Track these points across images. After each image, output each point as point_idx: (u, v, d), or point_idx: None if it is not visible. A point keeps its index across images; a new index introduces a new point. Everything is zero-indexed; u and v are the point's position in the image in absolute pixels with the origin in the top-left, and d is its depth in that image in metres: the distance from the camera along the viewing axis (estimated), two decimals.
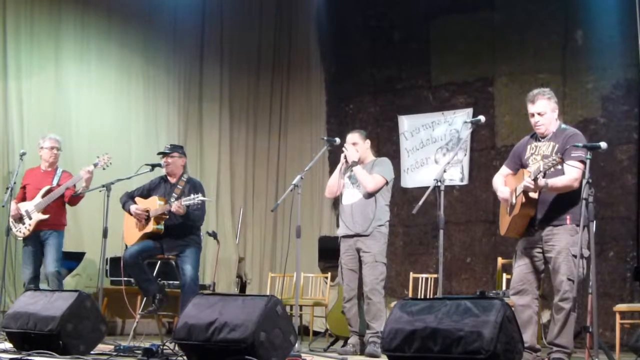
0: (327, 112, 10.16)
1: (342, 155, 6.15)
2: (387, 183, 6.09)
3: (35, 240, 6.74)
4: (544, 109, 5.00)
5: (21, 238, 6.78)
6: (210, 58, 9.92)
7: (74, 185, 6.75)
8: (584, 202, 4.48)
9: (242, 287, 9.79)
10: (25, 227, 6.70)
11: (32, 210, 6.70)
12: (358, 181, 6.09)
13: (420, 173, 9.21)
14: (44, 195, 6.71)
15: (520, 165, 5.13)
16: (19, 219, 6.72)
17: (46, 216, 6.66)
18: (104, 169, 6.73)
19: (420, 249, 9.15)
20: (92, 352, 5.08)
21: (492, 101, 8.79)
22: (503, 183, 5.18)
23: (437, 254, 5.02)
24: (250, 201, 10.17)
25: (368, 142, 6.24)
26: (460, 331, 3.68)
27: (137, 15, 9.20)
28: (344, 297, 6.16)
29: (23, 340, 5.07)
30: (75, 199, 6.80)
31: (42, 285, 6.82)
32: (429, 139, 9.22)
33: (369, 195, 6.04)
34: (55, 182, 6.79)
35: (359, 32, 9.89)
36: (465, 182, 8.89)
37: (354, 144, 6.15)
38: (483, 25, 8.92)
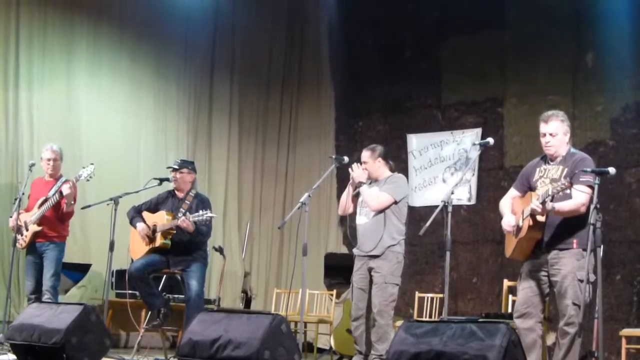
0: (336, 129, 10.16)
1: (351, 174, 6.12)
2: (395, 202, 6.00)
3: (35, 252, 6.74)
4: (556, 131, 4.99)
5: (21, 249, 6.79)
6: (220, 72, 9.97)
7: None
8: (591, 227, 4.46)
9: (248, 302, 9.78)
10: (23, 239, 6.72)
11: (29, 221, 6.70)
12: None
13: (428, 192, 9.20)
14: (40, 206, 6.71)
15: (528, 188, 5.12)
16: (18, 230, 6.74)
17: (39, 228, 6.64)
18: (87, 180, 6.65)
19: (426, 269, 9.12)
20: None
21: (501, 121, 8.77)
22: (510, 207, 5.17)
23: (443, 273, 5.01)
24: (258, 216, 10.18)
25: (379, 160, 6.13)
26: (465, 355, 3.66)
27: (149, 29, 9.26)
28: (352, 315, 6.13)
29: (27, 352, 5.08)
30: (64, 214, 6.75)
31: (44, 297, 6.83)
32: (438, 158, 9.21)
33: (378, 214, 5.99)
34: (51, 193, 6.73)
35: (370, 49, 9.90)
36: (472, 202, 8.87)
37: (363, 162, 6.10)
38: (494, 45, 8.92)
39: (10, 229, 6.94)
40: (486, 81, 8.93)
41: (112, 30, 8.95)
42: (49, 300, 6.42)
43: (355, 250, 6.17)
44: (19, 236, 6.75)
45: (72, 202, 6.65)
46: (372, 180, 6.12)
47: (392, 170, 6.20)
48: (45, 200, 6.69)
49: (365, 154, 6.16)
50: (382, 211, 5.98)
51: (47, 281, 6.63)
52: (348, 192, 6.18)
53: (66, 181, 6.70)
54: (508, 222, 5.09)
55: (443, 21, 9.26)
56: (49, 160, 6.88)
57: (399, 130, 9.55)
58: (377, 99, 9.79)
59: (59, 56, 8.44)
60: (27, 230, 6.70)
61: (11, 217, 6.89)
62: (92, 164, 6.69)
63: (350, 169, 6.11)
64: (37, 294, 6.67)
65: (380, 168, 6.14)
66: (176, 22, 9.49)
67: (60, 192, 6.60)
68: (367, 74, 9.89)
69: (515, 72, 8.75)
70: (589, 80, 8.22)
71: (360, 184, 6.05)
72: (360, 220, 6.14)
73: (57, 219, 6.75)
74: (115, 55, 8.93)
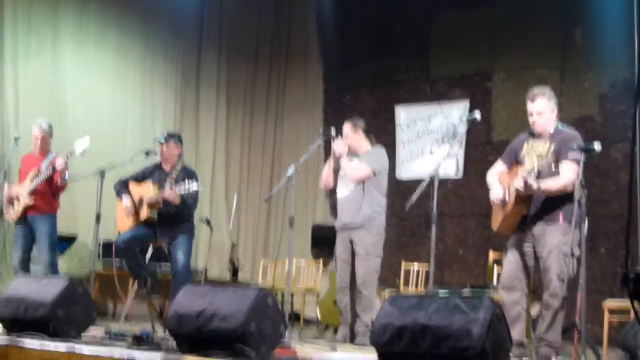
0: (324, 101, 10.15)
1: (332, 149, 6.17)
2: (374, 173, 6.05)
3: (25, 224, 6.72)
4: (542, 109, 5.00)
5: (12, 222, 6.77)
6: (208, 45, 9.89)
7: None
8: (576, 202, 4.49)
9: (234, 272, 9.81)
10: (14, 211, 6.70)
11: (22, 194, 6.68)
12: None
13: (415, 164, 9.23)
14: (32, 179, 6.69)
15: (515, 162, 5.14)
16: (10, 202, 6.72)
17: (32, 202, 6.63)
18: (82, 155, 6.55)
19: (412, 240, 9.17)
20: (82, 337, 5.09)
21: (489, 96, 8.79)
22: (497, 180, 5.19)
23: (429, 244, 5.03)
24: (245, 188, 10.17)
25: (360, 132, 6.19)
26: (449, 328, 3.70)
27: (136, 1, 9.15)
28: (337, 287, 6.19)
29: (14, 325, 5.08)
30: (58, 188, 6.72)
31: (34, 267, 6.82)
32: (425, 131, 9.23)
33: (358, 185, 6.05)
34: (43, 166, 6.70)
35: (359, 23, 9.86)
36: (460, 175, 8.91)
37: (344, 136, 6.15)
38: (483, 20, 8.91)
39: None
40: (475, 55, 8.93)
41: (98, 1, 8.85)
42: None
43: (336, 223, 6.22)
44: (10, 208, 6.72)
45: (65, 176, 6.61)
46: (353, 154, 6.15)
47: (372, 144, 6.25)
48: (38, 174, 6.67)
49: (347, 128, 6.20)
50: (362, 183, 6.04)
51: (44, 256, 6.63)
52: (329, 166, 6.24)
53: (57, 156, 6.64)
54: (496, 195, 5.10)
55: None
56: (36, 138, 6.85)
57: (387, 103, 9.55)
58: (365, 72, 9.78)
59: (45, 28, 8.33)
60: (18, 201, 6.68)
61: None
62: (86, 135, 6.55)
63: (332, 142, 6.14)
64: (23, 267, 6.66)
65: (362, 141, 6.20)
66: None
67: (53, 167, 6.57)
68: (355, 47, 9.86)
69: (504, 46, 8.75)
70: (578, 56, 8.24)
71: (341, 156, 6.07)
72: (340, 193, 6.20)
73: (49, 193, 6.73)
74: (102, 27, 8.83)
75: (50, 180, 6.68)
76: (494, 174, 5.26)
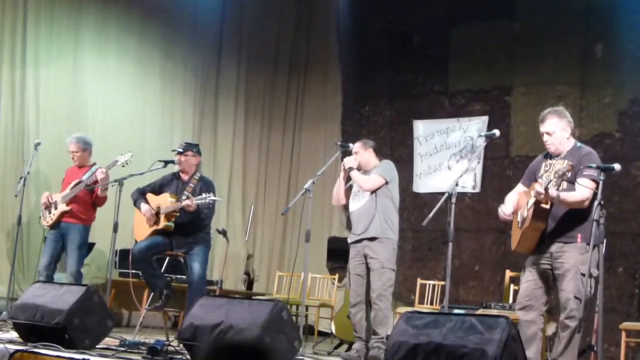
0: (342, 113, 10.15)
1: (342, 164, 6.22)
2: (387, 183, 6.10)
3: (58, 231, 6.80)
4: (552, 129, 4.97)
5: (46, 227, 6.84)
6: (228, 54, 9.94)
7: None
8: (594, 223, 4.45)
9: (250, 284, 9.82)
10: (50, 217, 6.78)
11: (60, 201, 6.76)
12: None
13: (432, 179, 9.19)
14: (72, 188, 6.77)
15: (535, 182, 5.11)
16: (47, 208, 6.79)
17: (68, 208, 6.70)
18: (123, 166, 6.65)
19: (428, 255, 9.14)
20: (97, 346, 5.11)
21: (508, 110, 8.75)
22: (514, 200, 5.17)
23: (445, 260, 5.02)
24: (262, 198, 10.19)
25: (370, 150, 6.28)
26: (464, 348, 3.68)
27: (157, 9, 9.23)
28: (350, 302, 6.17)
29: (29, 331, 5.11)
30: (98, 199, 6.81)
31: (60, 276, 6.87)
32: (443, 145, 9.20)
33: (371, 198, 6.07)
34: (85, 177, 6.78)
35: (378, 35, 9.86)
36: (477, 190, 8.86)
37: (355, 152, 6.24)
38: (503, 34, 8.87)
39: (40, 205, 6.98)
40: (494, 69, 8.90)
41: (119, 9, 8.93)
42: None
43: (350, 237, 6.23)
44: (46, 213, 6.79)
45: (106, 188, 6.66)
46: (363, 171, 6.20)
47: (380, 161, 6.34)
48: (79, 183, 6.74)
49: (357, 145, 6.30)
50: (374, 193, 6.08)
51: (70, 265, 6.69)
52: (340, 183, 6.28)
53: (99, 168, 6.73)
54: (503, 210, 5.10)
55: (453, 8, 9.21)
56: (72, 152, 6.94)
57: (405, 116, 9.53)
58: (384, 84, 9.77)
59: (66, 35, 8.42)
60: (55, 209, 6.75)
61: (15, 196, 6.93)
62: (129, 152, 6.68)
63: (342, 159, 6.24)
64: (47, 272, 6.71)
65: (371, 158, 6.28)
66: (185, 3, 9.48)
67: (95, 178, 6.64)
68: (374, 59, 9.85)
69: (524, 61, 8.71)
70: (598, 72, 8.19)
71: (350, 169, 6.13)
72: (353, 207, 6.22)
73: (89, 203, 6.81)
74: (122, 34, 8.91)
75: (91, 190, 6.76)
76: (513, 194, 5.24)
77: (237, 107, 10.01)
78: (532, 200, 4.83)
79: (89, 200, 6.82)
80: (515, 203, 5.15)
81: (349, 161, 6.15)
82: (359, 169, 6.17)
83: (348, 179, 6.24)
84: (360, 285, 6.11)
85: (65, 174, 7.04)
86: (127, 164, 6.62)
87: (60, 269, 6.99)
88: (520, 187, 5.26)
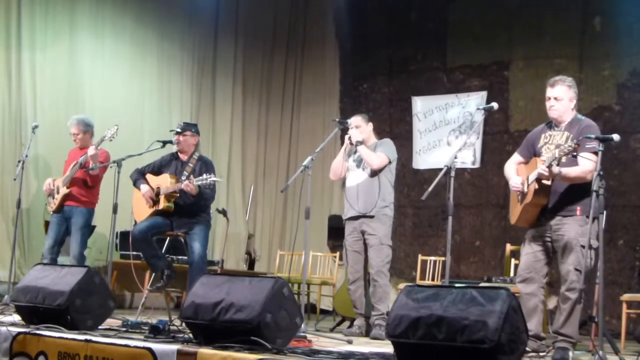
0: (340, 91, 10.14)
1: (346, 137, 6.20)
2: (390, 162, 6.13)
3: (61, 214, 6.80)
4: (561, 95, 4.95)
5: (51, 212, 6.85)
6: (224, 34, 9.89)
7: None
8: (594, 194, 4.44)
9: (251, 263, 9.83)
10: (54, 202, 6.79)
11: (61, 185, 6.77)
12: (363, 161, 6.13)
13: (432, 155, 9.19)
14: (70, 170, 6.76)
15: (533, 154, 5.10)
16: (51, 194, 6.82)
17: (68, 190, 6.70)
18: (111, 140, 6.62)
19: (429, 231, 9.15)
20: (100, 327, 5.11)
21: (506, 85, 8.73)
22: (515, 172, 5.15)
23: (446, 236, 5.01)
24: (261, 178, 10.19)
25: (370, 124, 6.29)
26: (465, 320, 3.67)
27: None
28: (349, 279, 6.20)
29: (32, 314, 5.10)
30: (91, 178, 6.77)
31: (63, 259, 6.87)
32: (442, 121, 9.18)
33: (373, 175, 6.09)
34: (81, 159, 6.73)
35: (376, 11, 9.82)
36: (477, 165, 8.87)
37: (356, 126, 6.20)
38: (501, 8, 8.84)
39: (43, 192, 7.02)
40: (492, 44, 8.87)
41: None
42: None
43: (346, 213, 6.22)
44: (50, 199, 6.80)
45: (97, 165, 6.62)
46: (361, 143, 6.19)
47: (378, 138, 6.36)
48: (75, 164, 6.74)
49: (357, 118, 6.27)
50: (377, 172, 6.07)
51: (73, 248, 6.70)
52: (344, 155, 6.28)
53: (101, 149, 6.69)
54: (516, 182, 5.06)
55: None
56: (73, 134, 6.92)
57: (404, 93, 9.51)
58: (382, 61, 9.74)
59: (62, 17, 8.36)
60: (57, 193, 6.76)
61: (14, 179, 6.92)
62: (115, 125, 6.63)
63: (347, 132, 6.21)
64: (51, 255, 6.72)
65: (371, 132, 6.30)
66: None
67: (86, 156, 6.63)
68: (372, 36, 9.82)
69: (522, 35, 8.68)
70: (596, 45, 8.17)
71: (358, 143, 6.11)
72: (351, 181, 6.20)
73: (84, 183, 6.78)
74: (118, 16, 8.85)
75: (87, 173, 6.73)
76: (512, 165, 5.22)
77: (235, 86, 9.98)
78: (533, 176, 4.82)
79: (84, 180, 6.79)
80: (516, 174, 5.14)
81: (356, 134, 6.13)
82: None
83: (349, 152, 6.22)
84: (358, 261, 6.15)
85: (68, 156, 7.03)
86: (114, 137, 6.56)
87: (65, 253, 7.00)
88: (516, 157, 5.23)
